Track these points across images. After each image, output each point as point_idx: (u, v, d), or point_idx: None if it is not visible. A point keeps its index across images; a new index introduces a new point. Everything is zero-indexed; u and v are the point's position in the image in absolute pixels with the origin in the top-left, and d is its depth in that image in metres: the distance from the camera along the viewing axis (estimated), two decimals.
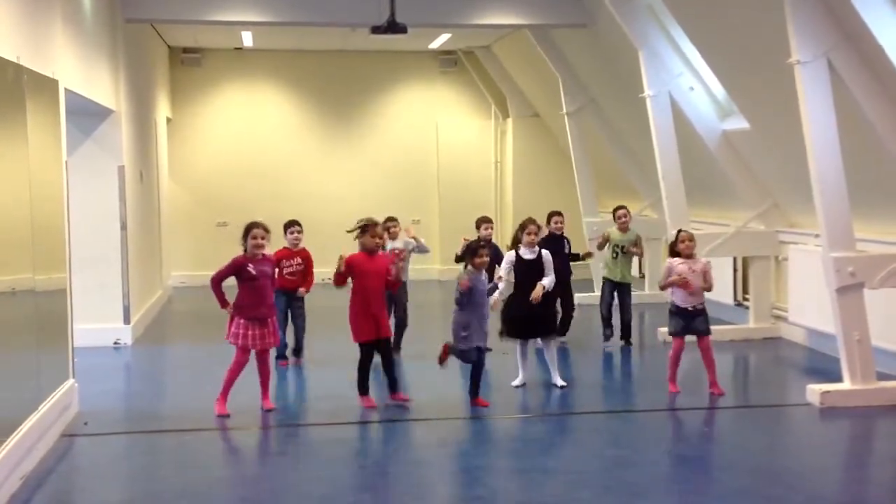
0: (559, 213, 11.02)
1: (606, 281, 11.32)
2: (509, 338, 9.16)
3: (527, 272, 9.03)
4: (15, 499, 6.30)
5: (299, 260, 10.14)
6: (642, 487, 6.54)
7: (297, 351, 10.42)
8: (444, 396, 8.48)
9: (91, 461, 7.37)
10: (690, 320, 8.83)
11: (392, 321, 9.63)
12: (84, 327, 9.79)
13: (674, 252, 8.99)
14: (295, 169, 17.55)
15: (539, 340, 9.26)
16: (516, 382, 9.19)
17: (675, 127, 11.51)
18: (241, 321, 8.18)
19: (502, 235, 17.81)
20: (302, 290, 10.14)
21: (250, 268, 8.16)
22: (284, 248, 10.14)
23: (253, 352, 8.27)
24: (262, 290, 8.21)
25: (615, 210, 11.47)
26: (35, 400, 7.17)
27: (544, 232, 10.08)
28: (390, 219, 10.68)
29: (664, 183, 11.59)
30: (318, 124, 17.75)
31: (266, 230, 8.30)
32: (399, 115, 17.92)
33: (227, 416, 8.19)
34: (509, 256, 9.19)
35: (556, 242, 10.50)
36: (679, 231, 9.20)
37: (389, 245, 10.31)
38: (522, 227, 9.16)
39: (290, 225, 10.27)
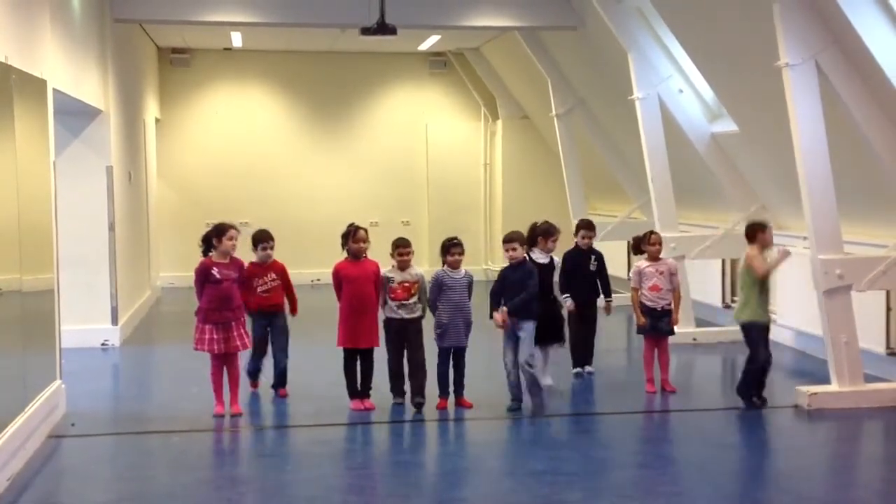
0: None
1: None
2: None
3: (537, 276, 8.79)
4: (1, 500, 6.28)
5: (273, 275, 8.83)
6: (631, 489, 6.55)
7: (281, 381, 8.95)
8: (430, 398, 8.45)
9: (78, 462, 7.34)
10: (657, 320, 8.99)
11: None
12: (71, 328, 9.76)
13: (638, 249, 9.19)
14: (284, 170, 17.52)
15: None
16: (548, 381, 8.89)
17: (664, 129, 11.54)
18: (206, 326, 8.15)
19: (492, 237, 17.85)
20: (291, 314, 8.95)
21: (214, 271, 8.13)
22: (253, 263, 8.83)
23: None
24: (226, 293, 8.15)
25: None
26: (22, 401, 7.14)
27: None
28: (401, 242, 8.46)
29: (653, 185, 11.62)
30: (308, 125, 17.73)
31: (238, 231, 8.31)
32: (388, 116, 17.90)
33: (226, 415, 8.21)
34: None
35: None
36: (651, 232, 9.26)
37: (398, 277, 8.31)
38: (547, 233, 8.90)
39: (262, 240, 8.83)
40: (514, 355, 8.26)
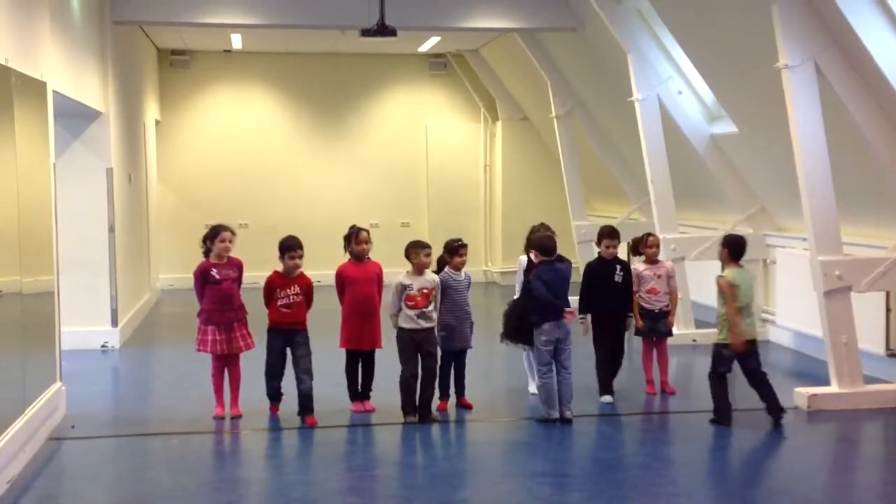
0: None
1: None
2: (516, 343, 8.56)
3: None
4: (1, 502, 6.28)
5: (297, 289, 8.12)
6: (631, 490, 6.56)
7: (306, 406, 8.13)
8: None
9: (78, 464, 7.34)
10: (655, 322, 9.03)
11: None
12: (71, 330, 9.77)
13: (636, 251, 9.21)
14: (284, 171, 17.53)
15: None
16: (533, 389, 8.71)
17: (663, 130, 11.54)
18: (208, 328, 8.14)
19: (492, 238, 17.87)
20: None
21: (214, 272, 8.13)
22: (277, 272, 8.23)
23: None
24: (227, 293, 8.14)
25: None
26: (22, 403, 7.14)
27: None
28: (423, 244, 8.15)
29: (653, 186, 11.62)
30: (308, 127, 17.74)
31: (233, 232, 8.29)
32: (388, 117, 17.91)
33: (226, 417, 8.23)
34: (522, 263, 8.71)
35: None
36: (648, 235, 9.25)
37: (417, 283, 7.97)
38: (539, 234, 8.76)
39: (290, 248, 8.15)
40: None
